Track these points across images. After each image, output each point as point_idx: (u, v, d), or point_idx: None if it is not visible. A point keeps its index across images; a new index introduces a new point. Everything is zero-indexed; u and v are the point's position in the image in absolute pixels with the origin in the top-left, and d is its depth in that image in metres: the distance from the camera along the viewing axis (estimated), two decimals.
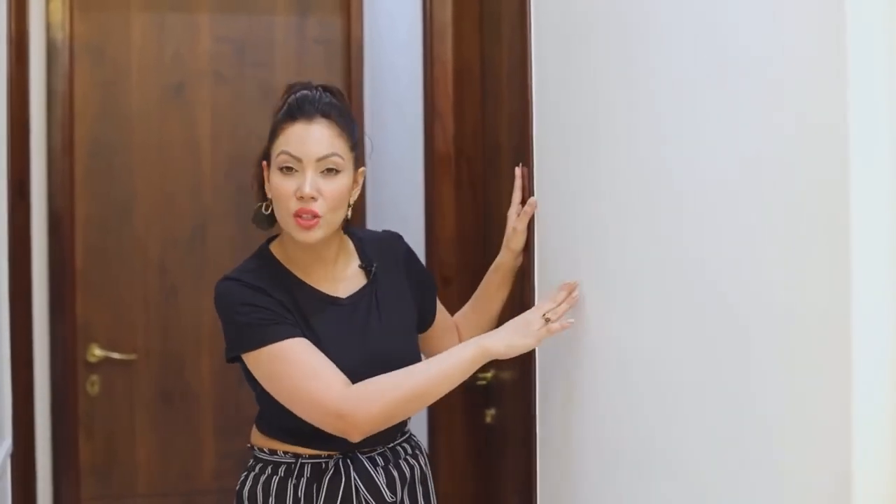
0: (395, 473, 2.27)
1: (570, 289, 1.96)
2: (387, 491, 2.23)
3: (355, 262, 2.33)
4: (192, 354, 3.94)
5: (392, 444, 2.31)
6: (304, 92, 2.21)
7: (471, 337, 2.26)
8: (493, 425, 2.95)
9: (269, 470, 2.26)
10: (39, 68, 3.71)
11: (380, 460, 2.26)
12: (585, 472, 1.93)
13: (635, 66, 1.67)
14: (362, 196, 3.82)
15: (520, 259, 2.31)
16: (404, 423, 2.36)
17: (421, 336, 2.44)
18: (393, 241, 2.43)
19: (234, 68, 3.99)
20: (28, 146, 3.58)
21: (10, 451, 2.74)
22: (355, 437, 2.08)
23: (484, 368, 2.53)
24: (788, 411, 1.22)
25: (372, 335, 2.20)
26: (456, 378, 2.06)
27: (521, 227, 2.25)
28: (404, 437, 2.36)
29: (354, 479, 2.21)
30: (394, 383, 2.06)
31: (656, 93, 1.59)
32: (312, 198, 2.11)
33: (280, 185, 2.15)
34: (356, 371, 2.10)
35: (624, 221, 1.72)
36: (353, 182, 2.21)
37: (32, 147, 3.63)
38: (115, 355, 3.88)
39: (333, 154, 2.15)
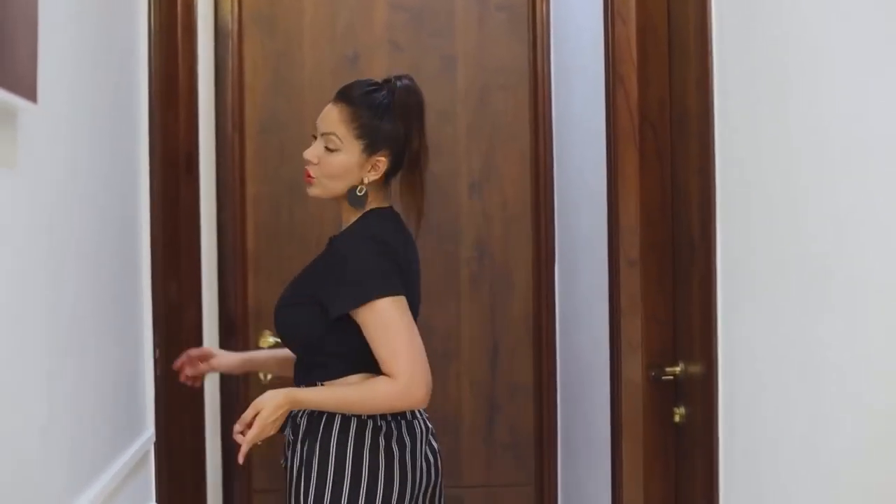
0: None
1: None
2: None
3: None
4: None
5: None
6: (358, 79, 2.62)
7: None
8: (683, 425, 2.76)
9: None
10: (208, 39, 3.62)
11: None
12: (772, 482, 1.84)
13: (821, 35, 1.60)
14: (547, 173, 3.68)
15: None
16: None
17: None
18: (354, 238, 2.57)
19: (411, 38, 3.86)
20: (196, 119, 3.48)
21: (152, 439, 2.64)
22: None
23: (673, 362, 2.66)
24: None
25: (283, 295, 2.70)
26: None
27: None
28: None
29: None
30: None
31: (845, 62, 1.52)
32: (311, 161, 2.53)
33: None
34: None
35: (811, 208, 1.65)
36: (364, 165, 2.51)
37: (200, 120, 3.52)
38: None
39: (332, 133, 2.51)
